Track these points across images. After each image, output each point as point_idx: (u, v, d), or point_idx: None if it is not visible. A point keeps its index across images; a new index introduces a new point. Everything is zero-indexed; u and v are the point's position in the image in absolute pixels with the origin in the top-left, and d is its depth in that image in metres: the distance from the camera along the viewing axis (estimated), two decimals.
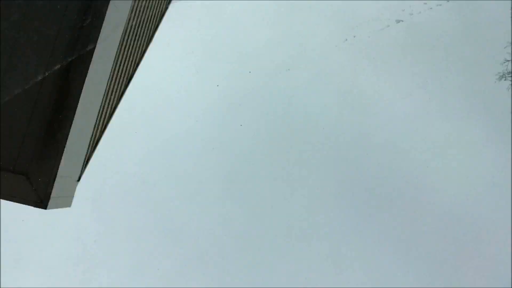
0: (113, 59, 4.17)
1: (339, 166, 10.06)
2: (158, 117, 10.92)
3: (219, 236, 10.55)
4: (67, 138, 3.04)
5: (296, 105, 10.49)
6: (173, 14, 11.32)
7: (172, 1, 11.18)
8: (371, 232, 9.86)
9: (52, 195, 3.00)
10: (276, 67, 10.69)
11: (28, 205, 3.04)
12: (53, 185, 2.98)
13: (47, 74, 2.97)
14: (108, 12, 3.28)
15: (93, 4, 3.19)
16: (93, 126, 4.24)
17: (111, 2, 3.32)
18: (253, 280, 10.23)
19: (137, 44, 5.57)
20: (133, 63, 5.75)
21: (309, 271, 10.13)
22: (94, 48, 3.17)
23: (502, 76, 9.44)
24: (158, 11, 6.95)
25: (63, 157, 3.03)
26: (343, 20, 10.62)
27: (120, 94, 5.51)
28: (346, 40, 10.64)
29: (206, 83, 10.80)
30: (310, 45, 10.71)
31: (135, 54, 5.74)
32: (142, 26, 5.56)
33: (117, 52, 4.22)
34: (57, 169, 3.00)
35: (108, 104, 4.91)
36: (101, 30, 3.23)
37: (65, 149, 3.03)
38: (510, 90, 9.46)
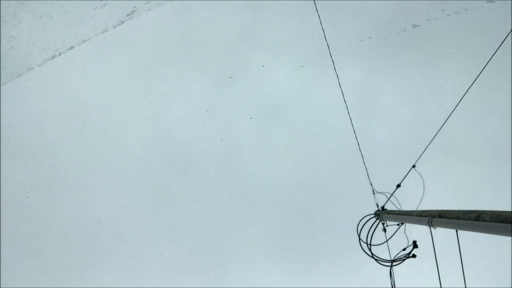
0: None
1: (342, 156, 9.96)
2: (169, 106, 10.90)
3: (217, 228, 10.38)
4: None
5: (306, 101, 10.46)
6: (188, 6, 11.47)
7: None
8: None
9: None
10: (290, 63, 10.72)
11: None
12: None
13: None
14: None
15: None
16: None
17: None
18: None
19: None
20: None
21: None
22: None
23: None
24: None
25: None
26: (360, 21, 10.68)
27: None
28: (362, 41, 10.69)
29: (219, 75, 10.82)
30: (325, 44, 10.73)
31: None
32: None
33: None
34: None
35: None
36: None
37: None
38: None
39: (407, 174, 6.14)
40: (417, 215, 4.06)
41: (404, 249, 4.82)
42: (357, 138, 8.55)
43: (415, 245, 4.65)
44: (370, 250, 5.45)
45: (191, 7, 11.40)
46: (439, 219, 3.42)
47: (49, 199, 10.29)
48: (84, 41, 11.29)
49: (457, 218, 3.11)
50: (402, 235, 5.28)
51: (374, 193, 6.90)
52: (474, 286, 8.59)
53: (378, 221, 5.73)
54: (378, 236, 5.82)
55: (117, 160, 10.54)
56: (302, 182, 10.39)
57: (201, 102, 10.74)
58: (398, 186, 6.14)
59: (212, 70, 10.92)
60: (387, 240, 5.77)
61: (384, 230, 5.92)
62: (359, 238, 5.75)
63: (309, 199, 10.38)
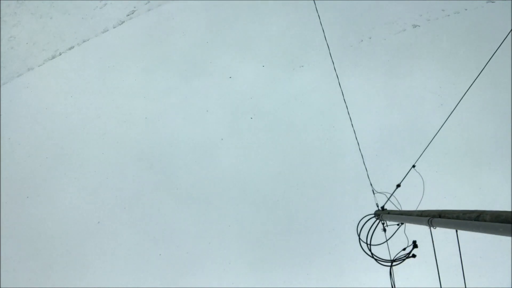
0: None
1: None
2: (169, 106, 10.91)
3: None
4: None
5: (306, 101, 10.46)
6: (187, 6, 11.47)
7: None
8: None
9: None
10: (290, 63, 10.72)
11: None
12: None
13: None
14: None
15: None
16: None
17: None
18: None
19: None
20: None
21: None
22: None
23: None
24: None
25: None
26: (361, 21, 10.68)
27: None
28: (362, 41, 10.69)
29: (219, 75, 10.82)
30: (325, 44, 10.73)
31: None
32: None
33: None
34: None
35: None
36: None
37: None
38: None
39: (407, 174, 6.14)
40: (417, 215, 4.07)
41: (404, 249, 4.83)
42: (357, 138, 8.56)
43: (415, 245, 4.66)
44: (370, 250, 5.46)
45: (191, 7, 11.41)
46: (439, 219, 3.42)
47: (49, 199, 10.29)
48: (84, 41, 11.29)
49: (457, 218, 3.11)
50: (402, 235, 5.29)
51: (374, 193, 6.91)
52: (474, 286, 8.60)
53: (378, 221, 5.74)
54: (378, 236, 5.82)
55: (117, 160, 10.54)
56: (302, 182, 10.39)
57: (201, 102, 10.74)
58: (398, 186, 6.15)
59: (212, 70, 10.93)
60: (387, 240, 5.78)
61: (384, 230, 5.92)
62: (359, 238, 5.76)
63: (309, 199, 10.38)
